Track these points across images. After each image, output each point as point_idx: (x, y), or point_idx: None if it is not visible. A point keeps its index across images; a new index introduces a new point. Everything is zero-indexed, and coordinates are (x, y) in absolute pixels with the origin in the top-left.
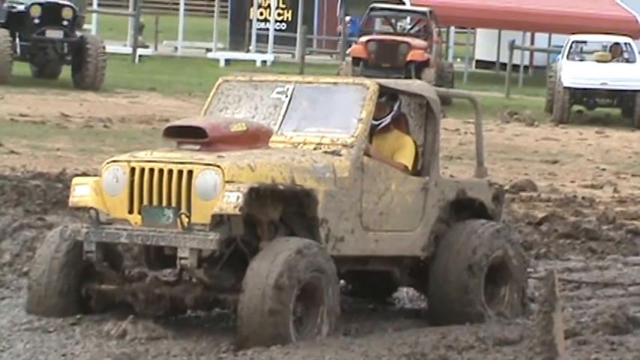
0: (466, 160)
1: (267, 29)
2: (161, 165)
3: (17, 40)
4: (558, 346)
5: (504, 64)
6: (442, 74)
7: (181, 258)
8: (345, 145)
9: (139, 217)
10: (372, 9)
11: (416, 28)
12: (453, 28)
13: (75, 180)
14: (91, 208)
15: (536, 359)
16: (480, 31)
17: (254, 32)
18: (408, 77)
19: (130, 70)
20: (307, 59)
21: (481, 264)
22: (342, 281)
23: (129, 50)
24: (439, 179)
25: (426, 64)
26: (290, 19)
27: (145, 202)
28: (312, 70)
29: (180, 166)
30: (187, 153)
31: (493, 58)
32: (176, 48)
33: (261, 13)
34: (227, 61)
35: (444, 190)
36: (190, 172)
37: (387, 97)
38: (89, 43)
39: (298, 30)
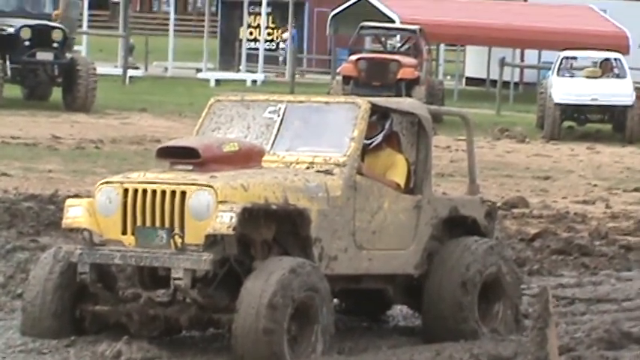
0: (458, 178)
1: (257, 49)
2: (154, 186)
3: (7, 62)
4: None
5: (495, 81)
6: (433, 92)
7: (175, 278)
8: (337, 164)
9: (133, 237)
10: (362, 27)
11: (406, 46)
12: (442, 46)
13: (68, 201)
14: (85, 229)
15: None
16: (469, 48)
17: (244, 52)
18: (399, 95)
19: (121, 91)
20: (297, 78)
21: (475, 281)
22: (335, 300)
23: (119, 71)
24: (432, 197)
25: (416, 81)
26: (279, 38)
27: (139, 222)
28: (303, 89)
29: (173, 187)
30: (180, 173)
31: (483, 75)
32: (166, 68)
33: (251, 33)
34: (217, 81)
35: (436, 208)
36: (183, 193)
37: (379, 115)
38: (80, 65)
39: (288, 49)
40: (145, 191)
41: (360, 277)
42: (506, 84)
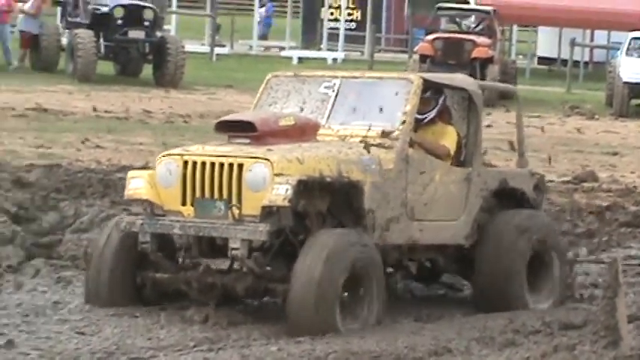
0: (529, 153)
1: (338, 28)
2: (212, 159)
3: (101, 40)
4: (621, 330)
5: (565, 61)
6: (506, 70)
7: (233, 248)
8: (390, 138)
9: (192, 208)
10: (439, 8)
11: (480, 27)
12: (515, 27)
13: (130, 173)
14: (146, 200)
15: (600, 343)
16: (541, 29)
17: (325, 31)
18: (473, 74)
19: (208, 68)
20: (376, 57)
21: (523, 251)
22: (390, 269)
23: (206, 49)
24: (481, 169)
25: (490, 60)
26: (359, 18)
27: (198, 194)
28: (381, 67)
29: (230, 160)
30: (237, 147)
31: (554, 55)
32: (251, 47)
33: (332, 13)
34: (299, 59)
35: (486, 180)
36: (241, 166)
37: (433, 91)
38: (169, 43)
39: (367, 29)
40: (203, 163)
41: (412, 247)
42: (576, 63)
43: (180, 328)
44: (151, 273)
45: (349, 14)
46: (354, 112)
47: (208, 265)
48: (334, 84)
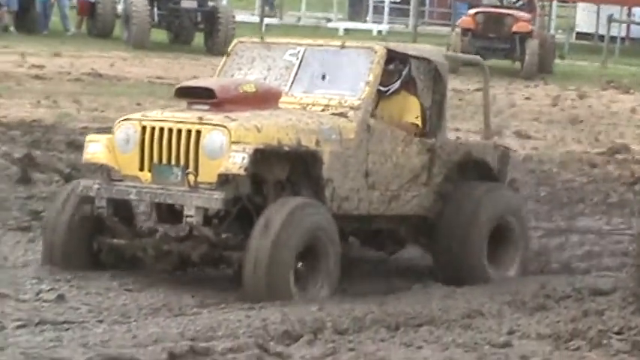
0: (566, 124)
1: (383, 2)
2: (170, 124)
3: (155, 9)
4: None
5: (603, 36)
6: (545, 44)
7: (187, 216)
8: (352, 107)
9: (149, 174)
10: None
11: (520, 2)
12: (555, 2)
13: (88, 137)
14: (102, 164)
15: (628, 309)
16: (580, 5)
17: (371, 4)
18: (513, 47)
19: (258, 37)
20: (419, 29)
21: (483, 223)
22: (351, 238)
23: (256, 19)
24: (445, 141)
25: (529, 34)
26: None
27: (155, 160)
28: (424, 39)
29: (188, 126)
30: (196, 113)
31: (592, 30)
32: (299, 18)
33: None
34: (346, 30)
35: (450, 152)
36: (198, 132)
37: (397, 62)
38: (220, 13)
39: (412, 2)
40: (161, 129)
41: (373, 217)
42: (613, 39)
43: (223, 288)
44: (108, 238)
45: None
46: (317, 81)
47: (165, 232)
48: (299, 51)
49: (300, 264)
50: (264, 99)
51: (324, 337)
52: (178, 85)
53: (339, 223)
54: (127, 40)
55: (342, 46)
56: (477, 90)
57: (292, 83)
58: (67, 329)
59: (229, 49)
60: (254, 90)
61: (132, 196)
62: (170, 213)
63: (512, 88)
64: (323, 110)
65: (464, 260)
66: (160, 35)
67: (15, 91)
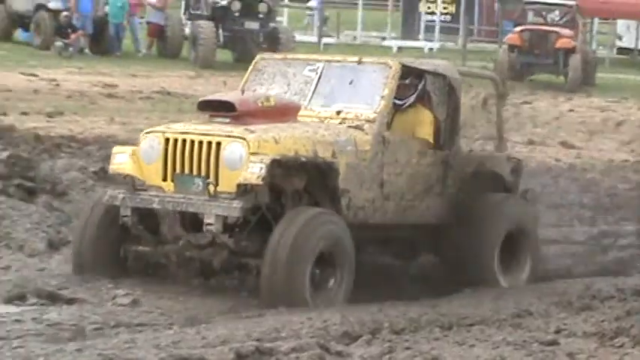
0: (608, 134)
1: (434, 21)
2: (192, 136)
3: (220, 30)
4: None
5: None
6: (587, 59)
7: (207, 224)
8: (367, 120)
9: (172, 184)
10: (526, 2)
11: (564, 19)
12: (596, 19)
13: (115, 149)
14: (128, 175)
15: None
16: (620, 21)
17: (422, 23)
18: (557, 62)
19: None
20: (468, 47)
21: (496, 232)
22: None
23: (315, 39)
24: (459, 153)
25: (572, 50)
26: (453, 11)
27: (178, 170)
28: (473, 55)
29: (209, 138)
30: (217, 125)
31: (632, 45)
32: (355, 37)
33: (429, 7)
34: (399, 48)
35: (463, 164)
36: (219, 144)
37: (413, 77)
38: (281, 33)
39: (461, 20)
40: (184, 141)
41: (388, 226)
42: None
43: None
44: (133, 246)
45: (444, 8)
46: (335, 95)
47: (188, 240)
48: (317, 67)
49: (316, 271)
50: (283, 112)
51: (382, 336)
52: (201, 99)
53: (355, 233)
54: (194, 61)
55: (359, 62)
56: (524, 103)
57: (311, 97)
58: (141, 331)
59: (252, 64)
60: (273, 104)
61: (155, 205)
62: (193, 222)
63: (557, 101)
64: (340, 123)
65: (475, 268)
66: (225, 55)
67: (90, 110)
